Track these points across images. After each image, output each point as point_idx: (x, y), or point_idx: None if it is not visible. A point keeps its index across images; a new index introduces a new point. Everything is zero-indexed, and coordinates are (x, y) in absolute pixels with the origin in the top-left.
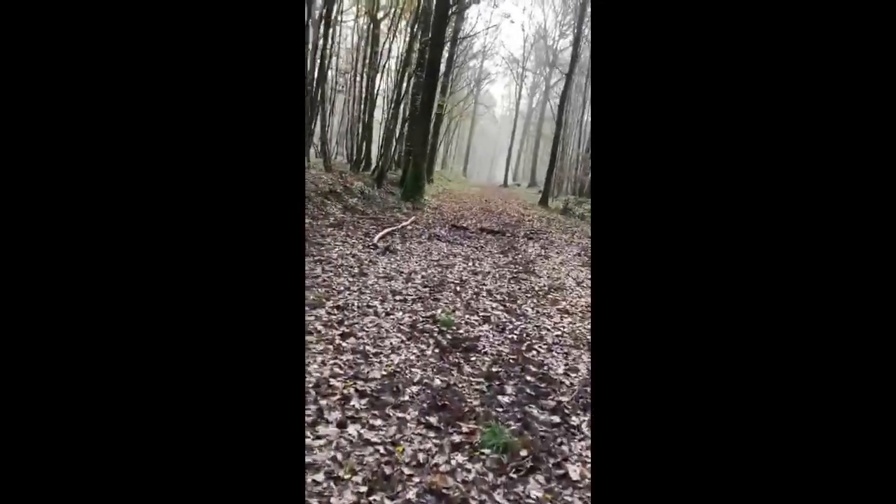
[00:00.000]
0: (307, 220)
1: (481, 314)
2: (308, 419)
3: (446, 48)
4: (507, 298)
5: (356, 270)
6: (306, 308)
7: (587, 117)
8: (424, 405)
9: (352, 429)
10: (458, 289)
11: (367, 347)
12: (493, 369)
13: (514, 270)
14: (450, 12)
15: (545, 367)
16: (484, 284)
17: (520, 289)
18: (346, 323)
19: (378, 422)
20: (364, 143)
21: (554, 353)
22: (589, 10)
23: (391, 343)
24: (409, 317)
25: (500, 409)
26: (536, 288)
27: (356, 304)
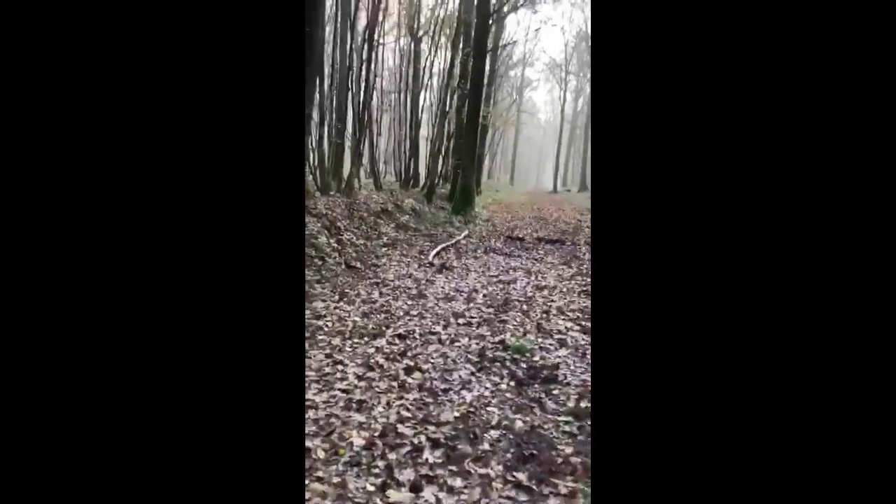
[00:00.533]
0: (362, 241)
1: (556, 336)
2: (377, 480)
3: (487, 58)
4: (581, 316)
5: (414, 292)
6: (366, 339)
7: None
8: (509, 455)
9: (428, 492)
10: (524, 307)
11: (435, 382)
12: (581, 404)
13: (583, 283)
14: (490, 21)
15: None
16: (552, 301)
17: None
18: (409, 354)
19: (457, 481)
20: (412, 161)
21: None
22: None
23: (460, 376)
24: (476, 343)
25: None
26: None
27: (417, 331)
